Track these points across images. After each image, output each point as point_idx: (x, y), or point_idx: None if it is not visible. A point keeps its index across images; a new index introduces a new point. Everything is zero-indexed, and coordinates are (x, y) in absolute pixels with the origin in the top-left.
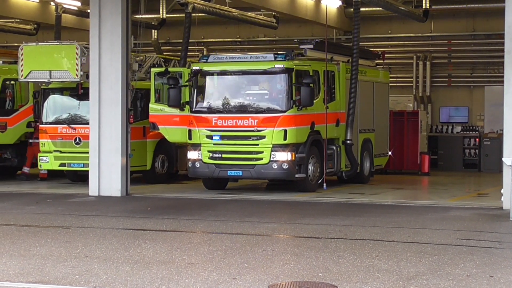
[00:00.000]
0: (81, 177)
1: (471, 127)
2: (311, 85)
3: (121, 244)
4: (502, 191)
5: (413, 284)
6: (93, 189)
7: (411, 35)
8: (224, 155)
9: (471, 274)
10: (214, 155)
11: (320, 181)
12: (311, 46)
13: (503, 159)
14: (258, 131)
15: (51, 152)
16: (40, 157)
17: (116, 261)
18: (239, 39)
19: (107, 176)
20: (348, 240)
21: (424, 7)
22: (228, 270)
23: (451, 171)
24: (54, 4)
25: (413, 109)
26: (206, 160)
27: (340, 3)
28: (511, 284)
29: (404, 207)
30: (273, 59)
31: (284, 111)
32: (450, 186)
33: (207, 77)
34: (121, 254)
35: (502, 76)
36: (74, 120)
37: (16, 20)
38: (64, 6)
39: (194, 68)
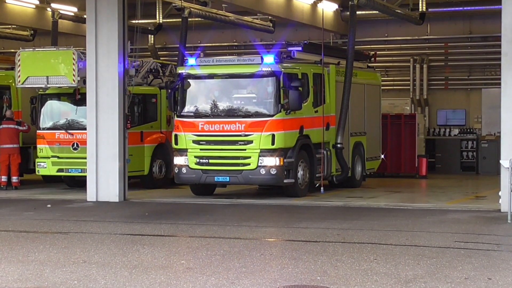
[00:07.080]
0: (79, 183)
1: (468, 130)
2: (300, 88)
3: (119, 249)
4: (500, 193)
5: (411, 287)
6: (91, 195)
7: (408, 38)
8: (211, 161)
9: (469, 277)
10: (201, 160)
11: (317, 185)
12: (300, 48)
13: (500, 161)
14: (246, 135)
15: (48, 157)
16: (38, 163)
17: (115, 266)
18: (235, 43)
19: (104, 181)
20: (346, 243)
21: (420, 10)
22: (226, 275)
23: (449, 174)
24: (50, 10)
25: (410, 112)
26: (193, 165)
27: (336, 6)
28: (510, 286)
29: (402, 210)
30: (260, 61)
31: (272, 115)
32: (448, 189)
33: (193, 81)
34: (120, 259)
35: (499, 79)
36: (71, 126)
37: (13, 26)
38: (61, 12)
39: (180, 71)
